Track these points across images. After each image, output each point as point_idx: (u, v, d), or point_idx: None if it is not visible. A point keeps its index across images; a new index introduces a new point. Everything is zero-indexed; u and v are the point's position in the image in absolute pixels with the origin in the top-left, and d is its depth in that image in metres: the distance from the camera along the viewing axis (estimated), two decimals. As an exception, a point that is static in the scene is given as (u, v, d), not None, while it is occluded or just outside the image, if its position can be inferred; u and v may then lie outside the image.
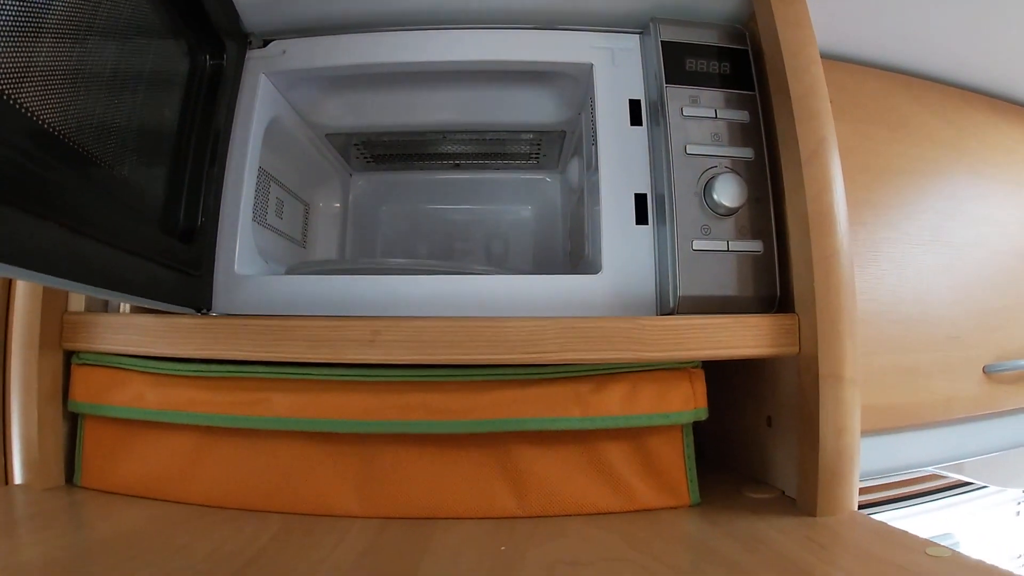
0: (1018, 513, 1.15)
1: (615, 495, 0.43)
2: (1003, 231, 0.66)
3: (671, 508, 0.43)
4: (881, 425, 0.56)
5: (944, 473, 0.88)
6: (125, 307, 0.49)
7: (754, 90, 0.47)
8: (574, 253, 0.67)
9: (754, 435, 0.51)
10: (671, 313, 0.44)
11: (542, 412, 0.41)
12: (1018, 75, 0.67)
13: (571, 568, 0.34)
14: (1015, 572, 0.31)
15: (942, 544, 0.34)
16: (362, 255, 0.75)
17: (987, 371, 0.61)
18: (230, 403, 0.41)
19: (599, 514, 0.42)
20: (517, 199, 0.77)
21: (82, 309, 0.46)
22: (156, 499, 0.42)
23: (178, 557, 0.33)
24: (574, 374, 0.42)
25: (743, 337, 0.42)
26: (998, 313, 0.64)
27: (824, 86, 0.43)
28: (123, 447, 0.43)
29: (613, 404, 0.42)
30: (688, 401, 0.43)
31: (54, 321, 0.44)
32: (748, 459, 0.52)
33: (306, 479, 0.41)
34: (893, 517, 0.94)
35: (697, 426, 0.45)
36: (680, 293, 0.44)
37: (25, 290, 0.43)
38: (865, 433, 0.58)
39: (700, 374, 0.44)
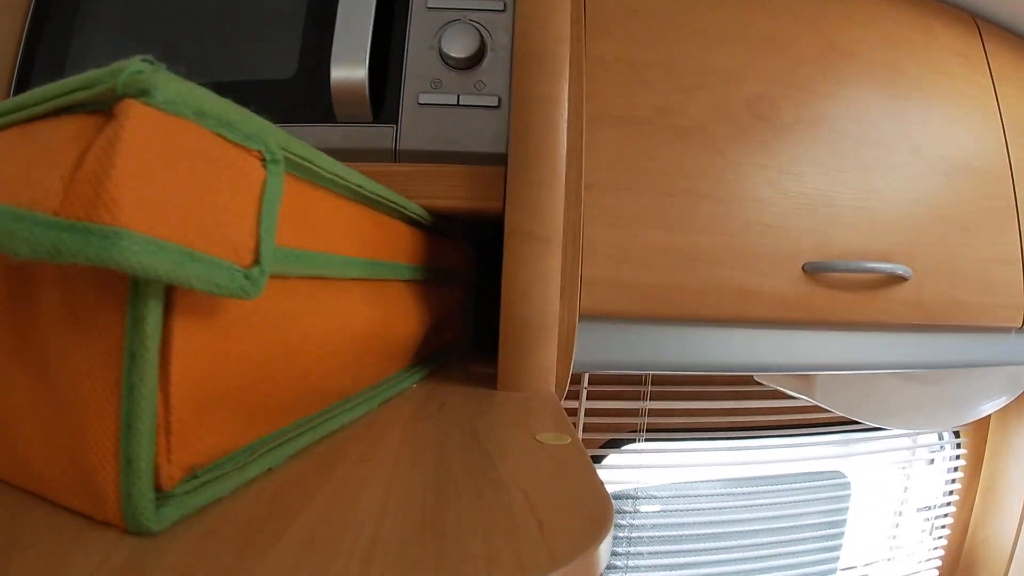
0: (931, 461, 0.95)
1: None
2: (850, 109, 0.51)
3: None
4: (654, 311, 0.47)
5: (829, 408, 0.72)
6: None
7: (519, -62, 0.44)
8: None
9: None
10: (394, 168, 0.42)
11: None
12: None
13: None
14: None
15: (565, 436, 0.29)
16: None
17: (807, 270, 0.48)
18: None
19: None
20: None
21: None
22: None
23: None
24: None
25: (438, 187, 0.39)
26: (837, 203, 0.50)
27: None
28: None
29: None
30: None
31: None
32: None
33: None
34: (786, 444, 0.84)
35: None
36: (399, 147, 0.42)
37: None
38: (631, 318, 0.49)
39: None
